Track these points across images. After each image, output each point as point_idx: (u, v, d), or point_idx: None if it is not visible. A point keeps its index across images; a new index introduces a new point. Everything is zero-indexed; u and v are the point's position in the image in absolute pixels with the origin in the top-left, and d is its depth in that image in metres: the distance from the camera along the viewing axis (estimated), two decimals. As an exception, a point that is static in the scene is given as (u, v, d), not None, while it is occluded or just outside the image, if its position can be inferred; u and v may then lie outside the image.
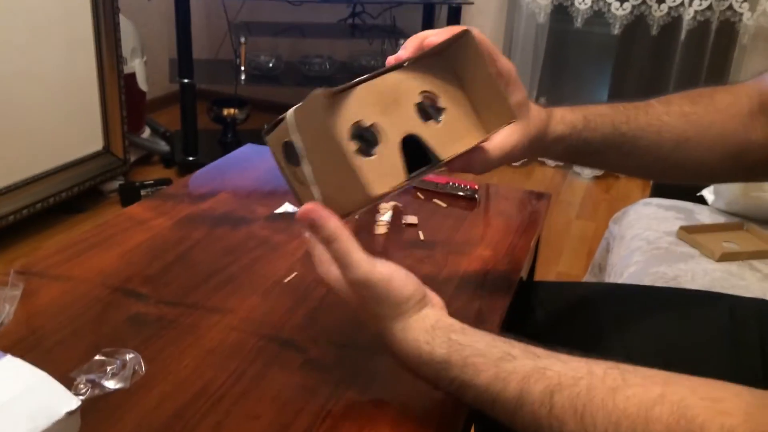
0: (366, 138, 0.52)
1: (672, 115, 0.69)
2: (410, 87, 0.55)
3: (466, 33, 0.55)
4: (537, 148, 0.64)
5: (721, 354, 0.73)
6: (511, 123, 0.57)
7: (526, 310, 0.83)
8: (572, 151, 0.67)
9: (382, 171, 0.52)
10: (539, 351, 0.49)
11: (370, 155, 0.52)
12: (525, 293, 0.84)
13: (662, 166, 0.71)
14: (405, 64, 0.55)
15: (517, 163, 2.98)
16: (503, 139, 0.60)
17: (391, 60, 0.57)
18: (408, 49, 0.57)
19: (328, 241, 0.51)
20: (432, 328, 0.51)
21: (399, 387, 0.57)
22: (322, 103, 0.50)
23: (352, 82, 0.52)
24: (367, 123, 0.52)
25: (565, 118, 0.65)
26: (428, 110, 0.56)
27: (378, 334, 0.54)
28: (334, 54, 2.93)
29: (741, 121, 0.68)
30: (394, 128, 0.53)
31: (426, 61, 0.56)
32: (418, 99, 0.55)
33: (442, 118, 0.56)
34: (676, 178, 0.78)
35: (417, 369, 0.52)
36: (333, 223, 0.51)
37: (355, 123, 0.51)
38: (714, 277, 1.23)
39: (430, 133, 0.55)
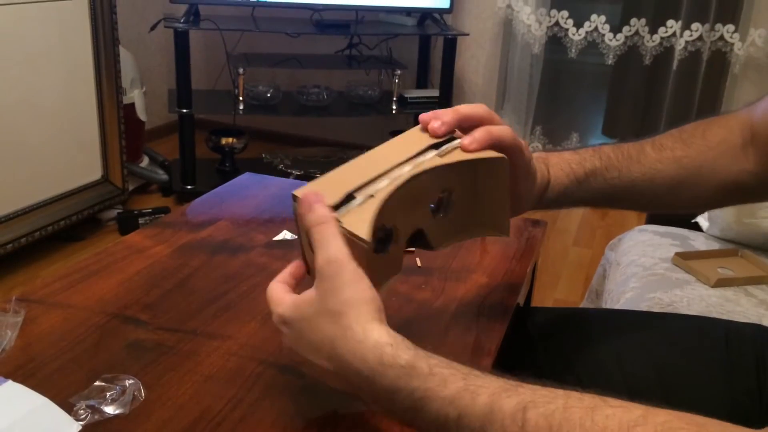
0: (380, 235, 0.53)
1: (665, 162, 0.70)
2: (433, 186, 0.57)
3: (502, 160, 0.57)
4: (535, 205, 0.68)
5: (718, 378, 0.73)
6: (502, 236, 0.59)
7: (524, 335, 0.83)
8: (564, 203, 0.70)
9: (386, 267, 0.53)
10: (504, 375, 0.47)
11: (384, 252, 0.53)
12: (522, 319, 0.85)
13: (656, 205, 0.74)
14: (440, 162, 0.55)
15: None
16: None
17: (425, 121, 0.59)
18: (445, 124, 0.58)
19: (315, 223, 0.51)
20: (395, 335, 0.48)
21: (397, 412, 0.57)
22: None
23: (389, 187, 0.53)
24: (389, 225, 0.53)
25: (559, 179, 0.68)
26: (440, 202, 0.58)
27: (331, 338, 0.49)
28: (332, 84, 2.97)
29: (733, 155, 0.70)
30: (408, 226, 0.55)
31: (456, 166, 0.57)
32: (437, 197, 0.57)
33: (450, 213, 0.57)
34: (671, 212, 0.82)
35: (371, 379, 0.47)
36: (324, 210, 0.52)
37: (379, 227, 0.52)
38: (710, 302, 1.24)
39: (434, 226, 0.56)
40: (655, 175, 0.70)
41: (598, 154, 0.70)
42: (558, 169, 0.68)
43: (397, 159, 0.56)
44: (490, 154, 0.57)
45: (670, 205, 0.73)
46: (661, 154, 0.70)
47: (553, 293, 2.17)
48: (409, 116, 3.15)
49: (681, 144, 0.71)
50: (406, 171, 0.55)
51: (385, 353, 0.47)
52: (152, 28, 2.76)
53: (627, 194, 0.70)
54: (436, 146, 0.58)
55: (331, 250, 0.50)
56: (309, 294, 0.52)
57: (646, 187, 0.70)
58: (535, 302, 1.06)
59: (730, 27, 2.62)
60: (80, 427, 0.45)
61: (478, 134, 0.58)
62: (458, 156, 0.57)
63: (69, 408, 0.53)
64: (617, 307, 1.31)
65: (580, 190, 0.69)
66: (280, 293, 0.54)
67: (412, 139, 0.59)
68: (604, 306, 1.45)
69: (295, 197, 0.54)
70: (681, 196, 0.71)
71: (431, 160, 0.56)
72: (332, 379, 0.51)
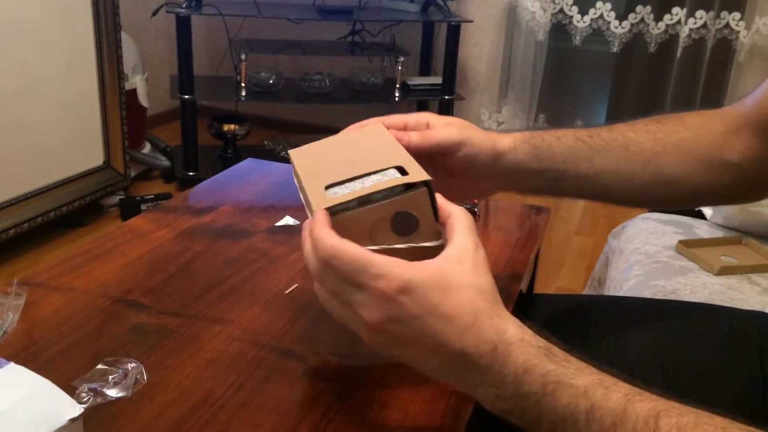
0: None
1: (637, 132, 0.68)
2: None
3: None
4: (497, 168, 0.66)
5: (721, 365, 0.73)
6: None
7: (526, 322, 0.83)
8: (540, 157, 0.66)
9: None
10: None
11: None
12: (525, 306, 0.84)
13: (636, 184, 0.68)
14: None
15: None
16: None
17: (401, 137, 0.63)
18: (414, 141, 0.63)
19: (329, 259, 0.47)
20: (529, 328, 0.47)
21: (400, 397, 0.57)
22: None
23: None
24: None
25: (513, 135, 0.67)
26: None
27: (474, 311, 0.46)
28: (334, 71, 2.96)
29: (713, 139, 0.68)
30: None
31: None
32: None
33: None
34: (651, 198, 0.73)
35: (506, 355, 0.45)
36: (323, 235, 0.48)
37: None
38: (713, 290, 1.24)
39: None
40: (628, 142, 0.67)
41: (562, 128, 0.69)
42: (512, 138, 0.67)
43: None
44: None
45: (653, 185, 0.68)
46: (633, 126, 0.69)
47: (555, 281, 2.17)
48: (412, 103, 3.13)
49: (653, 121, 0.70)
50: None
51: (527, 332, 0.46)
52: (154, 14, 2.74)
53: (603, 161, 0.67)
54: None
55: (477, 239, 0.49)
56: (448, 262, 0.47)
57: (621, 156, 0.67)
58: (538, 290, 1.06)
59: (736, 15, 2.60)
60: (83, 410, 0.45)
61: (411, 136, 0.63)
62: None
63: (71, 391, 0.53)
64: (620, 294, 1.30)
65: (548, 134, 0.66)
66: (383, 261, 0.46)
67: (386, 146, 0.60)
68: (606, 294, 1.45)
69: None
70: (661, 171, 0.67)
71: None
72: (443, 367, 0.47)
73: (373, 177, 0.53)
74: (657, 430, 0.41)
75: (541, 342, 0.46)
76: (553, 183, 0.69)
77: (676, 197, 0.71)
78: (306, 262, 0.50)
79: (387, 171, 0.54)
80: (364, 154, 0.59)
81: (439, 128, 0.65)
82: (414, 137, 0.63)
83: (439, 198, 0.52)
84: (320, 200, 0.52)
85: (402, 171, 0.54)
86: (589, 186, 0.69)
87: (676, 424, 0.41)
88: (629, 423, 0.42)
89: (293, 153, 0.63)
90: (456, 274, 0.47)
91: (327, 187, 0.53)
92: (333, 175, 0.54)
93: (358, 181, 0.53)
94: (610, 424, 0.42)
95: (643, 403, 0.42)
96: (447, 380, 0.49)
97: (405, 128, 0.66)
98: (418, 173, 0.52)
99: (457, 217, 0.51)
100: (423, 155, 0.62)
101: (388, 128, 0.64)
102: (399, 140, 0.61)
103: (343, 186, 0.53)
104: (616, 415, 0.42)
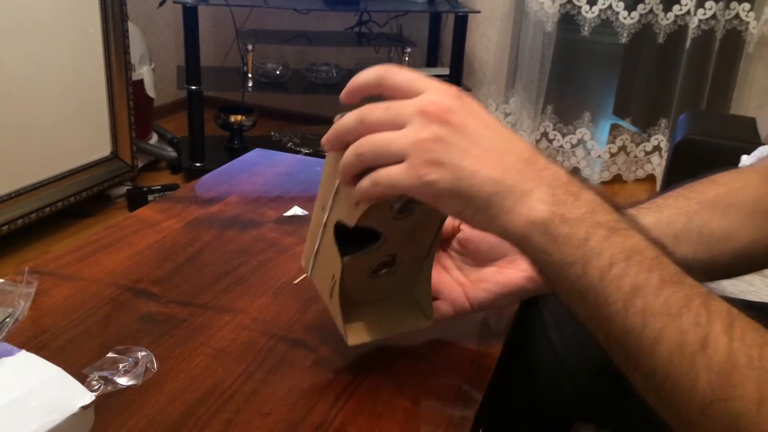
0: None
1: (669, 199, 0.65)
2: None
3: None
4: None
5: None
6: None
7: (536, 314, 0.83)
8: None
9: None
10: None
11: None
12: (534, 298, 0.84)
13: (685, 250, 0.62)
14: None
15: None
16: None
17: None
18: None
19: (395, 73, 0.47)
20: None
21: (409, 386, 0.57)
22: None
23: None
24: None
25: None
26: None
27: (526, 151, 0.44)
28: (341, 62, 2.95)
29: (752, 191, 0.63)
30: None
31: None
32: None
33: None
34: (709, 264, 0.64)
35: (595, 210, 0.43)
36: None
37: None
38: (722, 283, 1.23)
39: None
40: (678, 233, 0.61)
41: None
42: None
43: None
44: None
45: (696, 247, 0.61)
46: (665, 198, 0.65)
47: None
48: (418, 95, 3.12)
49: (682, 189, 0.65)
50: None
51: (582, 179, 0.45)
52: (161, 4, 2.74)
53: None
54: None
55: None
56: None
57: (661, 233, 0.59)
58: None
59: (746, 5, 2.58)
60: (94, 398, 0.45)
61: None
62: None
63: (82, 379, 0.54)
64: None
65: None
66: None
67: None
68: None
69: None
70: (705, 232, 0.61)
71: None
72: (504, 169, 0.43)
73: None
74: (709, 303, 0.40)
75: (597, 187, 0.45)
76: None
77: (728, 258, 0.63)
78: (339, 125, 0.48)
79: None
80: None
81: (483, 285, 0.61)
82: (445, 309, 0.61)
83: None
84: None
85: None
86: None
87: (727, 306, 0.41)
88: (687, 285, 0.41)
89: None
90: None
91: None
92: None
93: None
94: (668, 277, 0.41)
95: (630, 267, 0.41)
96: (499, 196, 0.43)
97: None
98: None
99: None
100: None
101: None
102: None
103: None
104: (677, 272, 0.41)
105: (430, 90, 0.45)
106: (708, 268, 0.63)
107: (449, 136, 0.43)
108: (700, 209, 0.62)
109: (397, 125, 0.45)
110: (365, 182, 0.46)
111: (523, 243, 0.43)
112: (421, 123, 0.44)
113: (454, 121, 0.44)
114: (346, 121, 0.47)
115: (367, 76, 0.48)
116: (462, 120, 0.44)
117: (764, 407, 0.37)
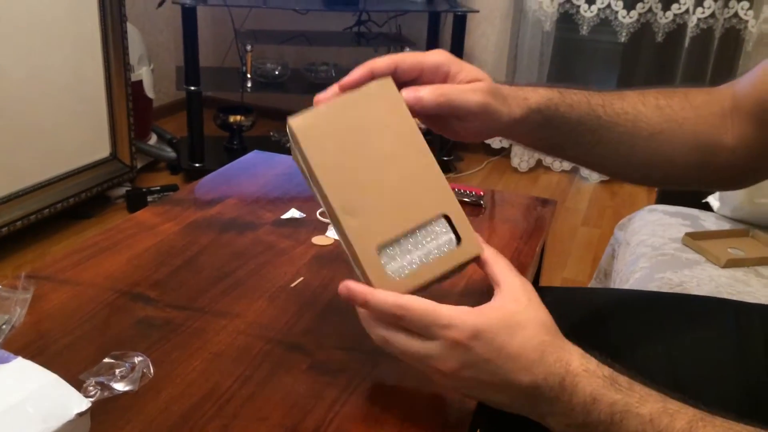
0: None
1: (647, 106, 0.68)
2: None
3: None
4: (515, 121, 0.61)
5: (728, 359, 0.73)
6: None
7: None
8: (549, 125, 0.64)
9: None
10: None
11: None
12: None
13: (633, 158, 0.68)
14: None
15: (524, 169, 2.98)
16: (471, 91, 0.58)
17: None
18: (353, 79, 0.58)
19: (395, 319, 0.50)
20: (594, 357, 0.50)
21: (405, 391, 0.58)
22: None
23: None
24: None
25: (538, 91, 0.63)
26: None
27: (540, 346, 0.50)
28: (340, 61, 2.95)
29: (714, 121, 0.68)
30: None
31: None
32: None
33: None
34: (644, 175, 0.73)
35: (574, 387, 0.48)
36: (384, 298, 0.50)
37: None
38: (719, 283, 1.23)
39: None
40: (638, 116, 0.67)
41: (579, 90, 0.67)
42: (530, 90, 0.63)
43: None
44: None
45: (648, 162, 0.68)
46: (644, 98, 0.68)
47: (561, 273, 2.17)
48: (417, 94, 3.12)
49: (663, 95, 0.69)
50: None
51: (591, 362, 0.49)
52: (160, 5, 2.74)
53: (608, 133, 0.66)
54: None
55: (456, 327, 0.49)
56: (506, 302, 0.52)
57: (627, 130, 0.66)
58: (544, 282, 1.05)
59: (745, 4, 2.58)
60: (90, 404, 0.45)
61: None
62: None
63: (78, 385, 0.54)
64: (626, 287, 1.30)
65: (563, 104, 0.63)
66: (445, 310, 0.50)
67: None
68: (612, 286, 1.45)
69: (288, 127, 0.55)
70: (660, 150, 0.68)
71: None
72: (515, 402, 0.51)
73: (424, 234, 0.54)
74: None
75: (605, 371, 0.49)
76: (552, 147, 0.69)
77: (670, 176, 0.72)
78: (366, 329, 0.53)
79: (436, 223, 0.55)
80: (400, 179, 0.55)
81: (461, 91, 0.58)
82: (426, 96, 0.57)
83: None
84: (378, 275, 0.52)
85: (448, 219, 0.55)
86: (588, 155, 0.69)
87: None
88: None
89: (300, 132, 0.54)
90: (517, 314, 0.51)
91: (379, 247, 0.53)
92: (376, 221, 0.53)
93: (410, 239, 0.54)
94: None
95: (707, 428, 0.45)
96: (520, 412, 0.52)
97: (420, 75, 0.59)
98: (471, 243, 0.55)
99: (494, 260, 0.55)
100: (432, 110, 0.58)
101: (400, 80, 0.58)
102: (408, 101, 0.56)
103: (395, 248, 0.53)
104: None
105: (441, 347, 0.50)
106: (647, 179, 0.75)
107: (470, 373, 0.50)
108: (666, 129, 0.67)
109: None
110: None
111: None
112: (441, 377, 0.52)
113: (474, 361, 0.50)
114: (375, 331, 0.53)
115: (375, 330, 0.54)
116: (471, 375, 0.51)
117: None
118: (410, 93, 0.57)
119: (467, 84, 0.59)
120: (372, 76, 0.57)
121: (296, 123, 0.54)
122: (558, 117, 0.64)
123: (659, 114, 0.68)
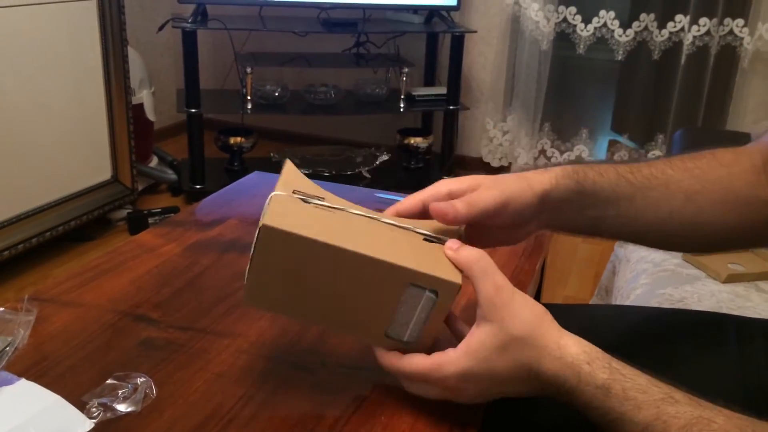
0: None
1: (676, 169, 0.67)
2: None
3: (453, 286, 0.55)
4: (535, 195, 0.61)
5: (729, 374, 0.73)
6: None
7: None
8: (581, 193, 0.63)
9: None
10: (702, 401, 0.49)
11: None
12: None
13: (675, 224, 0.67)
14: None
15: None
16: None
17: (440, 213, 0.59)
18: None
19: (474, 260, 0.55)
20: (588, 351, 0.52)
21: (407, 409, 0.58)
22: None
23: None
24: None
25: (560, 165, 0.64)
26: None
27: (527, 363, 0.52)
28: (340, 83, 2.97)
29: (747, 177, 0.67)
30: None
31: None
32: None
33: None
34: (688, 240, 0.71)
35: (571, 394, 0.51)
36: (470, 248, 0.55)
37: None
38: (720, 298, 1.23)
39: None
40: (668, 179, 0.66)
41: (603, 162, 0.67)
42: (553, 174, 0.63)
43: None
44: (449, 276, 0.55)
45: (692, 225, 0.66)
46: (671, 163, 0.67)
47: (562, 290, 2.17)
48: (417, 114, 3.14)
49: (689, 158, 0.68)
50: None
51: (583, 372, 0.50)
52: (160, 29, 2.77)
53: (645, 199, 0.65)
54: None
55: (497, 278, 0.53)
56: (479, 334, 0.53)
57: (662, 194, 0.65)
58: (545, 300, 1.05)
59: (740, 21, 2.60)
60: (93, 425, 0.45)
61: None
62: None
63: (81, 406, 0.54)
64: (627, 303, 1.30)
65: (592, 171, 0.63)
66: (426, 362, 0.54)
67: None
68: (613, 302, 1.45)
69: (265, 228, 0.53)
70: (701, 210, 0.66)
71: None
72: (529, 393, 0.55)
73: (406, 307, 0.55)
74: None
75: (598, 380, 0.50)
76: (594, 222, 0.66)
77: (713, 238, 0.69)
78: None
79: (409, 292, 0.55)
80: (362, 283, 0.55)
81: (479, 194, 0.60)
82: (461, 208, 0.58)
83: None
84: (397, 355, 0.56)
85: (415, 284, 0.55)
86: (628, 226, 0.67)
87: None
88: None
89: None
90: (489, 341, 0.52)
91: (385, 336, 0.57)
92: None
93: (400, 319, 0.56)
94: None
95: None
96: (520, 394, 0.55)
97: (423, 207, 0.61)
98: (448, 285, 0.54)
99: (470, 266, 0.55)
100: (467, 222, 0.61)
101: (419, 209, 0.61)
102: (445, 215, 0.58)
103: (396, 330, 0.56)
104: None
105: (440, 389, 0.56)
106: (691, 243, 0.72)
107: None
108: (701, 190, 0.66)
109: None
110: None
111: None
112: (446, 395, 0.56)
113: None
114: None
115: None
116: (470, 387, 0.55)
117: None
118: (444, 207, 0.58)
119: (479, 189, 0.61)
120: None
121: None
122: (589, 182, 0.63)
123: (690, 175, 0.66)
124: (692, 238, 0.69)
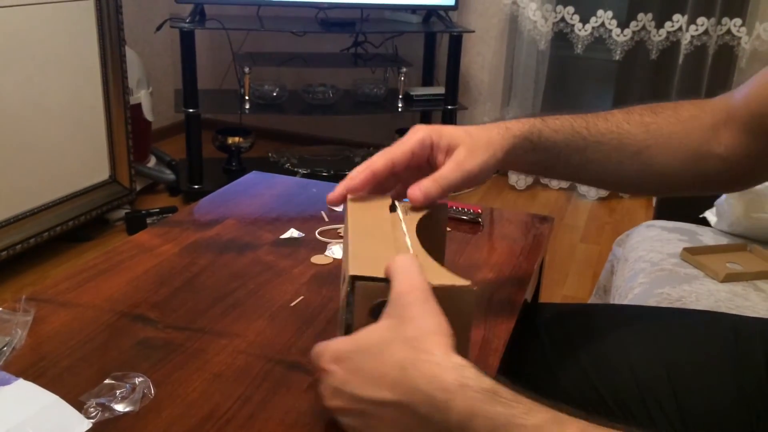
0: None
1: (632, 124, 0.70)
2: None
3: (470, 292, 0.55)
4: (505, 156, 0.66)
5: (727, 373, 0.73)
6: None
7: (531, 332, 0.83)
8: (537, 152, 0.68)
9: None
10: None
11: None
12: (530, 315, 0.85)
13: (625, 173, 0.71)
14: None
15: (521, 186, 2.99)
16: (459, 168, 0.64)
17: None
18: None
19: (400, 258, 0.52)
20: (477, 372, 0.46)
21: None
22: None
23: None
24: None
25: (520, 121, 0.68)
26: None
27: (401, 363, 0.46)
28: (337, 82, 2.97)
29: (703, 133, 0.70)
30: None
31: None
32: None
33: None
34: (638, 187, 0.77)
35: (447, 404, 0.44)
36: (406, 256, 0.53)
37: None
38: (718, 297, 1.24)
39: None
40: (622, 134, 0.69)
41: (560, 115, 0.70)
42: (513, 121, 0.67)
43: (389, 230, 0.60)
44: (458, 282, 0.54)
45: (638, 175, 0.71)
46: (629, 116, 0.70)
47: (560, 290, 2.17)
48: (415, 114, 3.14)
49: (650, 111, 0.71)
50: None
51: (468, 374, 0.44)
52: (158, 29, 2.76)
53: (596, 152, 0.69)
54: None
55: (416, 279, 0.49)
56: (375, 325, 0.49)
57: (613, 147, 0.69)
58: (543, 299, 1.06)
59: (737, 21, 2.60)
60: (91, 425, 0.45)
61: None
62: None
63: (79, 406, 0.54)
64: (625, 302, 1.30)
65: (547, 128, 0.67)
66: (326, 341, 0.53)
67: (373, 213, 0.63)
68: (611, 302, 1.45)
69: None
70: (649, 163, 0.70)
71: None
72: (390, 428, 0.47)
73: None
74: None
75: (485, 383, 0.43)
76: (545, 170, 0.72)
77: (664, 187, 0.76)
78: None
79: None
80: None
81: (447, 176, 0.64)
82: (432, 191, 0.63)
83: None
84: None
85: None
86: (578, 174, 0.72)
87: None
88: None
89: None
90: (375, 333, 0.49)
91: None
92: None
93: None
94: None
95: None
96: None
97: (412, 157, 0.65)
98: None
99: (393, 266, 0.52)
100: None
101: (398, 170, 0.65)
102: (415, 201, 0.62)
103: None
104: None
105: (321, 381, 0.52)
106: (642, 191, 0.85)
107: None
108: (653, 145, 0.70)
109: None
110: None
111: None
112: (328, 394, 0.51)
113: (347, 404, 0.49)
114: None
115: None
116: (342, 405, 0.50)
117: None
118: (416, 193, 0.63)
119: (448, 165, 0.64)
120: (374, 178, 0.64)
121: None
122: (543, 141, 0.67)
123: (645, 130, 0.70)
124: (642, 184, 0.74)
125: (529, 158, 0.68)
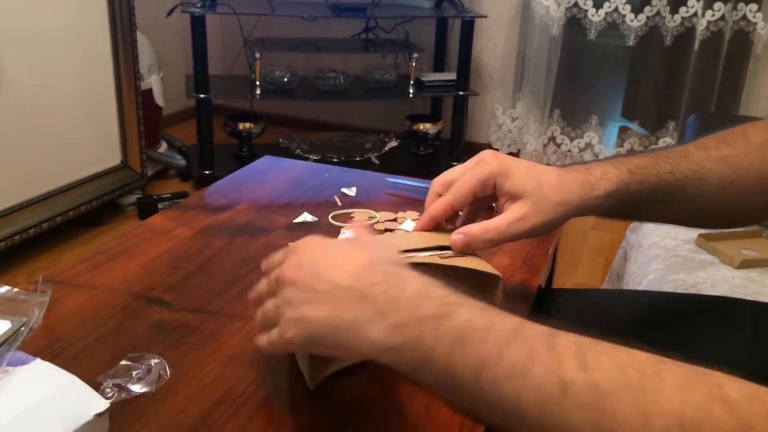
0: None
1: (712, 160, 0.67)
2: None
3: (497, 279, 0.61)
4: (579, 213, 0.63)
5: (743, 359, 0.72)
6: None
7: (545, 317, 0.83)
8: (620, 205, 0.65)
9: None
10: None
11: None
12: (543, 301, 0.84)
13: (709, 212, 0.69)
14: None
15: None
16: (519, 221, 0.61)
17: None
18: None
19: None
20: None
21: (423, 393, 0.57)
22: None
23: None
24: None
25: (608, 175, 0.64)
26: None
27: (357, 255, 0.50)
28: (348, 68, 2.96)
29: None
30: None
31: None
32: None
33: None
34: (723, 223, 0.75)
35: (402, 282, 0.46)
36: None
37: None
38: (734, 284, 1.23)
39: None
40: (706, 173, 0.66)
41: (643, 154, 0.67)
42: (602, 165, 0.65)
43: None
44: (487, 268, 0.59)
45: (723, 211, 0.69)
46: (707, 153, 0.67)
47: (573, 277, 2.17)
48: (426, 100, 3.13)
49: (724, 144, 0.68)
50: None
51: (432, 285, 0.46)
52: (169, 13, 2.76)
53: (681, 195, 0.66)
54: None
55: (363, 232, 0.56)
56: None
57: (698, 189, 0.66)
58: (556, 285, 1.05)
59: (753, 6, 2.57)
60: (108, 405, 0.46)
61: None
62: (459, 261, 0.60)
63: (96, 386, 0.54)
64: (639, 289, 1.30)
65: (633, 182, 0.64)
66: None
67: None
68: (625, 288, 1.44)
69: None
70: (733, 200, 0.67)
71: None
72: (336, 313, 0.47)
73: None
74: (554, 345, 0.41)
75: (447, 288, 0.46)
76: (619, 216, 0.69)
77: (749, 218, 0.73)
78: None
79: None
80: None
81: (503, 229, 0.61)
82: (474, 243, 0.61)
83: None
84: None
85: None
86: (659, 217, 0.71)
87: (572, 338, 0.41)
88: (525, 338, 0.41)
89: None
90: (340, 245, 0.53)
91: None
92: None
93: None
94: (506, 340, 0.41)
95: (541, 325, 0.42)
96: (342, 333, 0.46)
97: (473, 198, 0.63)
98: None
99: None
100: None
101: (462, 207, 0.64)
102: (457, 247, 0.61)
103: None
104: (512, 330, 0.42)
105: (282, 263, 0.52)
106: (728, 224, 0.76)
107: (291, 295, 0.49)
108: (735, 180, 0.66)
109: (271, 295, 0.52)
110: (263, 341, 0.52)
111: (378, 361, 0.46)
112: (276, 292, 0.51)
113: (291, 279, 0.49)
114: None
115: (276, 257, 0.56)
116: (294, 276, 0.49)
117: (649, 422, 0.37)
118: (459, 240, 0.61)
119: (507, 216, 0.61)
120: (433, 223, 0.64)
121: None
122: (628, 196, 0.64)
123: (726, 166, 0.67)
124: (730, 218, 0.72)
125: (606, 212, 0.65)
